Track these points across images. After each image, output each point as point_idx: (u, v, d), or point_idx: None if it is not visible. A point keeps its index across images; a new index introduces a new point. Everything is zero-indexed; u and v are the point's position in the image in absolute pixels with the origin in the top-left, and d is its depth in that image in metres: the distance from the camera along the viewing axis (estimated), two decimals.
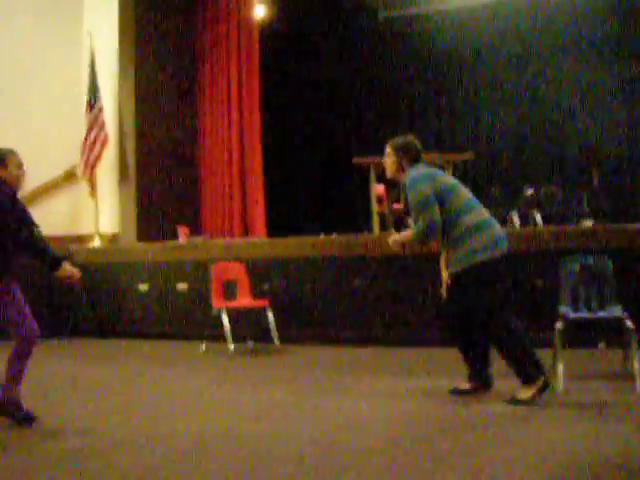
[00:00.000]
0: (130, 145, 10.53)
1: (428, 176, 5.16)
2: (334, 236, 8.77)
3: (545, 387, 4.98)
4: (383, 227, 9.40)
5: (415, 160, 5.29)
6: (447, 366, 6.27)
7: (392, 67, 11.90)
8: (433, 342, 7.46)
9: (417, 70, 11.90)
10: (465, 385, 5.40)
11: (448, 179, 5.35)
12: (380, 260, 7.99)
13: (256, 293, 8.16)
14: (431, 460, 3.91)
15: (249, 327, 8.16)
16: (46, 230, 8.98)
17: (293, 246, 8.43)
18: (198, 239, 9.54)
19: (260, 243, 9.21)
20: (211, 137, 11.37)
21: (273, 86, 11.48)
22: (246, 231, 10.99)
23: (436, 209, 5.04)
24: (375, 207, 9.42)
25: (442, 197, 5.09)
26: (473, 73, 11.65)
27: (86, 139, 10.22)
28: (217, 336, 7.84)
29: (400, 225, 9.78)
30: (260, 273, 8.37)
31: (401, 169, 5.31)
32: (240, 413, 5.14)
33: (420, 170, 5.23)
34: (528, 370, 5.00)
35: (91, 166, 10.21)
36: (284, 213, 11.11)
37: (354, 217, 10.54)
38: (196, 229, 10.62)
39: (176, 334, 8.80)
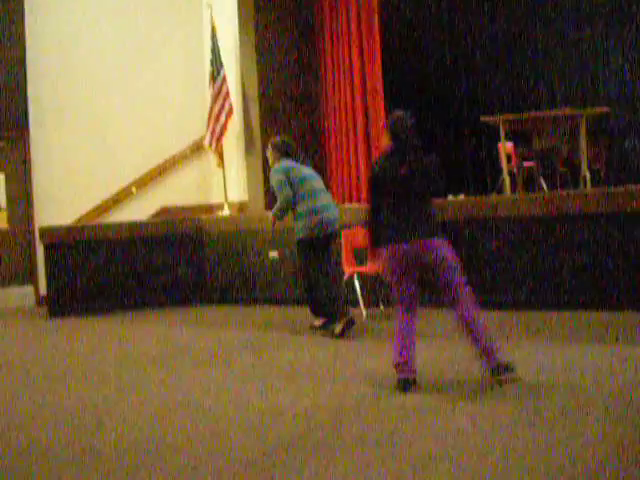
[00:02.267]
0: (255, 114, 10.60)
1: (285, 168, 7.06)
2: (462, 197, 8.60)
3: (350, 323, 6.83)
4: (514, 186, 9.16)
5: (285, 155, 7.21)
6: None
7: (517, 21, 11.43)
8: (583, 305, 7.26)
9: (544, 23, 11.39)
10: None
11: (300, 172, 7.10)
12: (513, 221, 7.77)
13: None
14: None
15: (380, 292, 8.13)
16: (178, 200, 9.23)
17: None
18: None
19: None
20: (334, 101, 11.25)
21: (395, 47, 11.25)
22: None
23: (289, 191, 6.97)
24: (504, 166, 9.19)
25: (293, 184, 7.00)
26: (600, 18, 11.04)
27: (211, 110, 10.40)
28: (349, 301, 7.85)
29: (531, 183, 9.51)
30: None
31: (274, 161, 7.26)
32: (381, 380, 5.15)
33: (282, 163, 7.13)
34: (336, 312, 6.87)
35: (217, 137, 10.38)
36: None
37: (482, 177, 10.30)
38: None
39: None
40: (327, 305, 6.93)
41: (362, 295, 7.78)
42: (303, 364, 5.88)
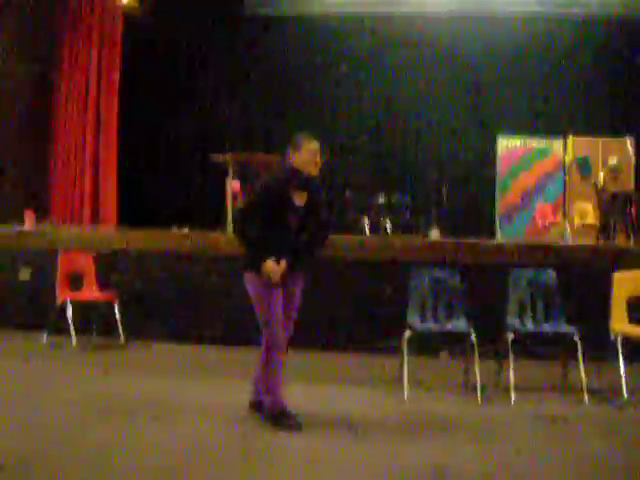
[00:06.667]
0: None
1: None
2: (186, 231, 8.68)
3: None
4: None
5: None
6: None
7: (252, 64, 11.86)
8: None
9: (276, 69, 11.90)
10: None
11: None
12: (232, 259, 7.93)
13: (104, 285, 7.90)
14: None
15: (94, 320, 7.89)
16: None
17: (144, 239, 8.23)
18: (45, 225, 9.16)
19: (110, 234, 8.94)
20: (65, 121, 10.91)
21: (133, 73, 11.18)
22: (96, 218, 10.63)
23: None
24: (230, 203, 9.38)
25: None
26: (333, 79, 11.82)
27: None
28: (61, 328, 7.54)
29: None
30: (108, 265, 8.11)
31: None
32: (79, 413, 5.01)
33: None
34: None
35: None
36: (137, 203, 10.85)
37: (209, 213, 10.41)
38: (45, 213, 10.20)
39: (18, 325, 8.36)
40: None
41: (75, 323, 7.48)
42: None
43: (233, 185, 9.52)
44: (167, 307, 8.03)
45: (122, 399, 5.39)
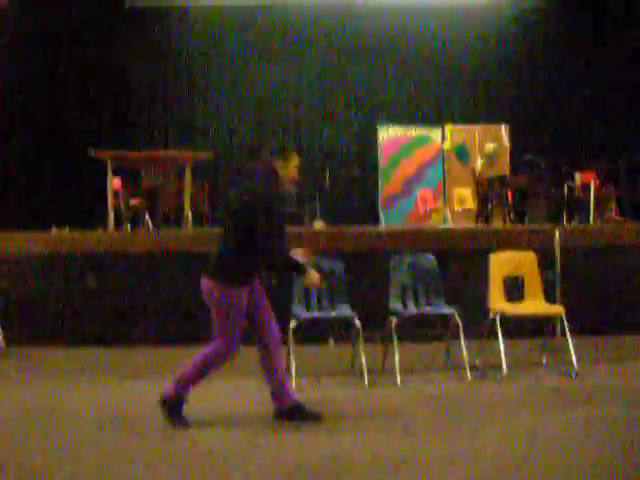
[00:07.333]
0: None
1: None
2: (65, 231, 8.44)
3: None
4: (119, 222, 9.20)
5: None
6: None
7: (136, 59, 11.65)
8: (155, 341, 7.42)
9: (160, 64, 11.76)
10: None
11: None
12: (113, 257, 7.77)
13: None
14: None
15: None
16: None
17: (21, 241, 7.93)
18: None
19: None
20: None
21: (9, 66, 10.80)
22: None
23: None
24: (110, 201, 9.18)
25: None
26: (215, 72, 11.77)
27: None
28: None
29: (137, 221, 9.63)
30: None
31: None
32: None
33: None
34: None
35: None
36: (11, 204, 10.47)
37: (89, 211, 10.14)
38: None
39: None
40: None
41: None
42: None
43: (114, 182, 9.34)
44: (47, 310, 7.79)
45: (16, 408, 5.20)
